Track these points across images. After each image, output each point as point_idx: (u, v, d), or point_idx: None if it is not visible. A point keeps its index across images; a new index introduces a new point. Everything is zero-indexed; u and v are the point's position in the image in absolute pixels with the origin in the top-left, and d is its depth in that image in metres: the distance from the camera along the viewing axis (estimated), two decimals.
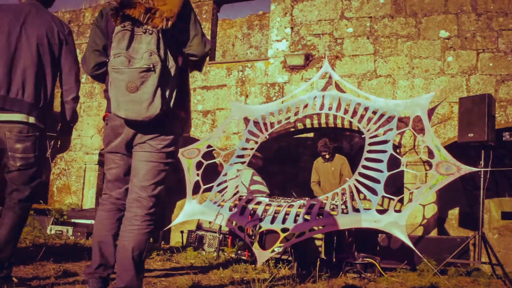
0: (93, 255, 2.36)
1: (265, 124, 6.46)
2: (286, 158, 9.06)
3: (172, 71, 2.16)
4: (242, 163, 6.07)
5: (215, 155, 6.74)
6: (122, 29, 2.15)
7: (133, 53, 2.12)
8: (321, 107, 6.36)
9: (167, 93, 2.14)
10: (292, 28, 7.35)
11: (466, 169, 4.79)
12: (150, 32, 2.13)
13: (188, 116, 2.41)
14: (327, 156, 6.52)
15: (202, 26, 7.92)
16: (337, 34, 7.05)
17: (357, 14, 6.98)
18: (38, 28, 2.64)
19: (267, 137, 6.90)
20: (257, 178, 6.19)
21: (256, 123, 6.53)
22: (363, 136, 5.84)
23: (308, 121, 7.02)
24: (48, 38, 2.64)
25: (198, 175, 5.96)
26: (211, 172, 6.24)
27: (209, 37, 7.96)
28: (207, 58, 2.41)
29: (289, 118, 6.57)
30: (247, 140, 6.45)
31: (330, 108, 6.32)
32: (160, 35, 2.13)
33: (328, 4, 7.16)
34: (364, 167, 5.26)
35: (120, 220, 2.36)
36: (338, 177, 6.48)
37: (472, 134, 5.10)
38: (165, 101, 2.13)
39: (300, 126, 7.09)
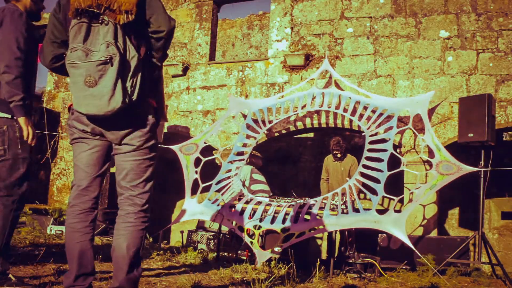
0: (70, 264, 2.20)
1: (263, 120, 6.46)
2: (286, 158, 9.07)
3: (134, 62, 2.07)
4: (241, 160, 6.04)
5: (214, 153, 6.73)
6: (78, 22, 2.06)
7: (91, 46, 2.03)
8: (321, 105, 6.35)
9: (128, 85, 2.05)
10: (292, 28, 7.35)
11: (466, 169, 4.78)
12: (106, 22, 2.03)
13: (161, 106, 2.31)
14: (338, 155, 6.46)
15: (202, 26, 7.96)
16: (337, 34, 7.05)
17: (357, 14, 6.97)
18: None
19: (266, 132, 6.88)
20: (257, 176, 6.16)
21: (254, 120, 6.53)
22: (363, 134, 5.83)
23: (308, 121, 7.02)
24: None
25: (196, 172, 5.92)
26: (210, 168, 6.24)
27: (209, 37, 7.96)
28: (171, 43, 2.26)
29: (288, 114, 6.56)
30: (246, 136, 6.45)
31: (329, 106, 6.31)
32: (118, 25, 2.04)
33: (328, 4, 7.16)
34: (365, 166, 5.25)
35: (93, 221, 2.25)
36: (347, 177, 6.43)
37: (472, 134, 5.10)
38: (126, 93, 2.04)
39: (300, 126, 7.09)
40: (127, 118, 2.13)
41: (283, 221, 4.83)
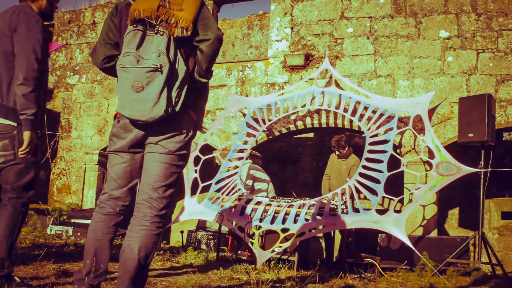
0: (85, 260, 2.23)
1: (263, 119, 6.46)
2: (286, 158, 9.07)
3: (182, 73, 2.12)
4: (240, 158, 6.03)
5: (214, 153, 6.74)
6: (134, 29, 2.14)
7: (143, 53, 2.10)
8: (321, 104, 6.34)
9: (174, 94, 2.10)
10: (292, 28, 7.35)
11: (466, 169, 4.78)
12: (161, 33, 2.11)
13: (200, 119, 2.33)
14: (337, 153, 6.45)
15: None
16: (337, 34, 7.05)
17: (357, 14, 6.97)
18: None
19: (265, 130, 6.88)
20: (259, 173, 6.13)
21: (254, 119, 6.54)
22: (363, 135, 5.83)
23: (308, 121, 7.02)
24: (1, 34, 2.64)
25: (196, 171, 5.91)
26: (210, 167, 6.24)
27: None
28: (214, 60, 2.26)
29: (288, 112, 6.56)
30: (245, 135, 6.45)
31: (329, 105, 6.30)
32: (172, 37, 2.11)
33: (328, 4, 7.16)
34: (364, 167, 5.25)
35: (117, 225, 2.28)
36: (347, 176, 6.41)
37: (472, 134, 5.10)
38: (170, 102, 2.08)
39: (300, 125, 7.09)
40: (169, 126, 2.17)
41: (283, 221, 4.83)
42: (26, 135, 2.58)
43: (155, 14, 2.11)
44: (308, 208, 4.95)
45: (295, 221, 4.80)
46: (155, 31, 2.12)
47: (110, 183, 2.31)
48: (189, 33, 2.11)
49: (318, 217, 4.86)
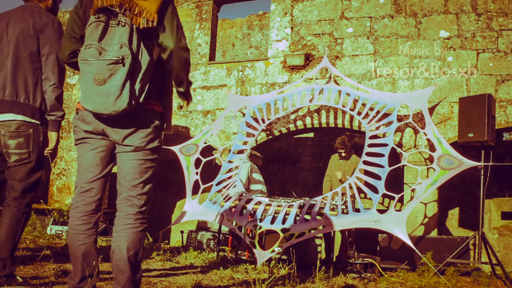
0: (74, 266, 2.20)
1: (262, 119, 6.46)
2: (286, 158, 9.07)
3: (145, 64, 2.08)
4: (240, 159, 6.04)
5: (214, 153, 6.73)
6: (96, 20, 2.09)
7: (105, 45, 2.05)
8: (320, 100, 6.35)
9: (137, 87, 2.06)
10: (292, 28, 7.34)
11: (468, 163, 4.76)
12: (123, 24, 2.06)
13: (168, 113, 2.30)
14: (343, 154, 6.51)
15: (202, 26, 7.95)
16: (337, 34, 7.05)
17: (357, 14, 6.97)
18: (15, 27, 2.68)
19: (265, 129, 6.88)
20: (256, 175, 6.14)
21: (254, 118, 6.54)
22: (362, 129, 5.82)
23: (308, 121, 7.02)
24: (24, 34, 2.66)
25: (197, 173, 5.90)
26: (210, 168, 6.23)
27: (209, 37, 7.95)
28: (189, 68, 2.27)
29: (287, 111, 6.56)
30: (245, 134, 6.44)
31: (328, 101, 6.31)
32: (134, 27, 2.07)
33: (328, 4, 7.16)
34: (365, 162, 5.23)
35: (96, 223, 2.25)
36: (350, 176, 6.44)
37: (472, 134, 5.10)
38: (133, 95, 2.04)
39: (300, 125, 7.09)
40: (131, 119, 2.13)
41: (283, 221, 4.83)
42: (54, 135, 2.69)
43: (119, 2, 2.07)
44: (308, 208, 4.94)
45: (295, 221, 4.80)
46: (117, 22, 2.07)
47: (82, 175, 2.25)
48: (154, 24, 2.08)
49: (318, 217, 4.86)
